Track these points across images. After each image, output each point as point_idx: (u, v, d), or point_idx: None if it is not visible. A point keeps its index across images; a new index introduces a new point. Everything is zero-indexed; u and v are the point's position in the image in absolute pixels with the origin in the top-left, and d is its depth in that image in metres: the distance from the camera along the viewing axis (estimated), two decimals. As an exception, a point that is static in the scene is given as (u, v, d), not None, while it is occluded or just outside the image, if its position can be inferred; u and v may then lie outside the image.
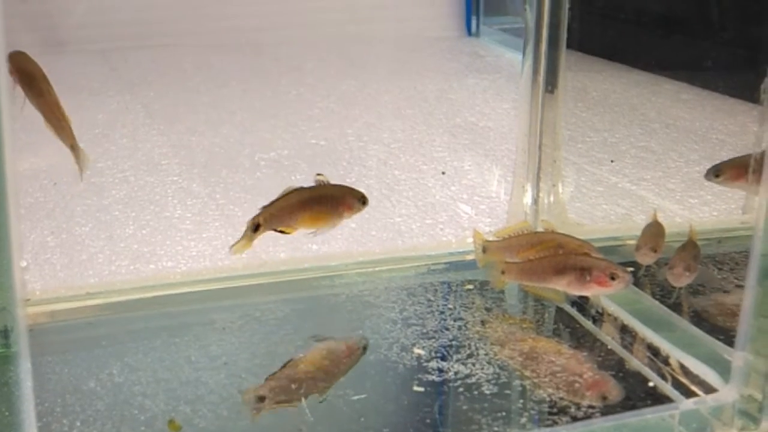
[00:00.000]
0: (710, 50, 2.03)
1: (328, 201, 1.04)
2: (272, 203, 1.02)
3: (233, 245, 1.02)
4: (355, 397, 0.88)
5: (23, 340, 0.93)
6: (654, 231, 1.12)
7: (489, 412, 0.86)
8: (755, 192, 1.08)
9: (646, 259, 1.09)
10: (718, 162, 1.14)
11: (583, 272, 0.98)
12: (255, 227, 1.01)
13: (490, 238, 1.11)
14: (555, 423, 0.84)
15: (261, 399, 0.91)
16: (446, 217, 1.42)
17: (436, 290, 1.12)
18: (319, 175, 1.06)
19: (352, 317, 1.06)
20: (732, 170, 1.12)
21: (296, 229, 1.04)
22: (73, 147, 1.05)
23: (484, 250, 1.10)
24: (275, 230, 1.03)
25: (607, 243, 1.23)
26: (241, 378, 0.92)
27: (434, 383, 0.91)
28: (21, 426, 0.83)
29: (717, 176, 1.13)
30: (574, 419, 0.85)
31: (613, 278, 0.98)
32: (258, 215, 1.01)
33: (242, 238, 1.01)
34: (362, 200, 1.06)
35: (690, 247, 1.08)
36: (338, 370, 0.97)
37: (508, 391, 0.90)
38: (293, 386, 0.92)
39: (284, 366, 0.96)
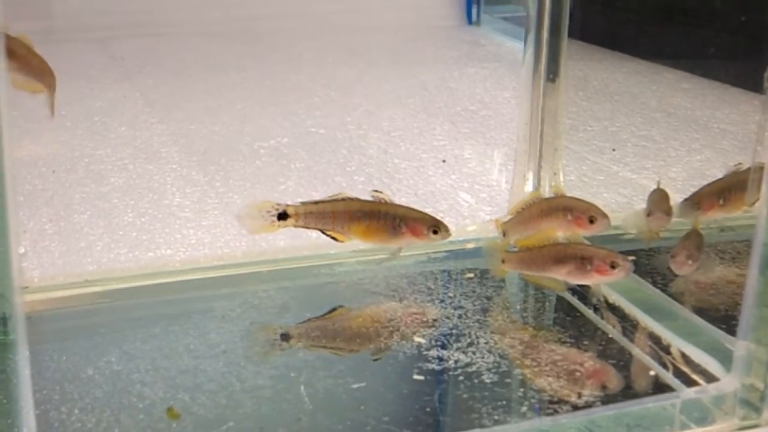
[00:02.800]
0: (711, 39, 2.03)
1: (383, 218, 1.03)
2: (316, 201, 1.03)
3: (253, 224, 1.02)
4: (355, 386, 0.88)
5: (21, 328, 0.92)
6: (662, 195, 1.12)
7: (489, 400, 0.85)
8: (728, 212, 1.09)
9: (660, 223, 1.09)
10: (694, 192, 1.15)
11: (583, 261, 0.98)
12: (282, 215, 1.01)
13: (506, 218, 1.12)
14: (556, 412, 0.84)
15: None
16: (446, 206, 1.41)
17: (436, 279, 1.11)
18: (376, 192, 1.06)
19: (352, 305, 1.06)
20: (708, 200, 1.12)
21: (345, 236, 1.04)
22: (51, 86, 1.02)
23: (504, 234, 1.10)
24: (323, 232, 1.04)
25: (608, 232, 1.22)
26: (239, 366, 0.91)
27: (434, 372, 0.91)
28: (19, 414, 0.83)
29: (699, 209, 1.12)
30: (575, 408, 0.84)
31: (613, 267, 0.97)
32: (290, 204, 1.02)
33: (265, 221, 1.02)
34: (434, 229, 1.04)
35: (693, 236, 1.08)
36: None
37: (508, 380, 0.89)
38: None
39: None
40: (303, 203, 1.03)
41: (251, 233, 1.04)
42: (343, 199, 1.04)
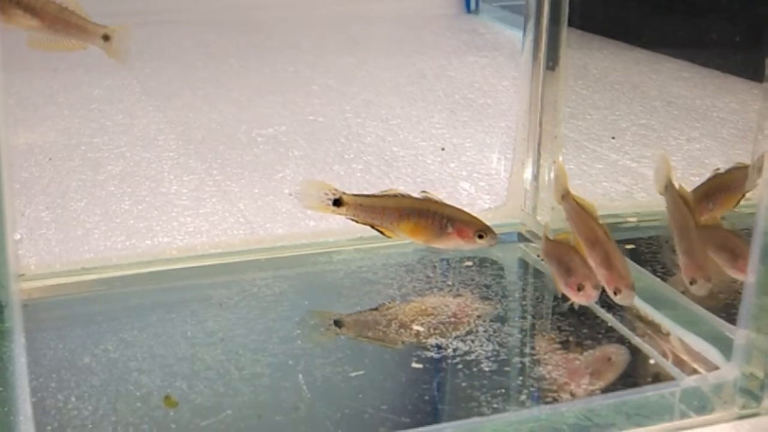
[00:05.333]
0: (712, 28, 2.02)
1: (431, 217, 1.04)
2: (370, 195, 1.05)
3: (309, 201, 1.05)
4: (354, 374, 0.88)
5: (17, 315, 0.92)
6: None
7: (488, 389, 0.85)
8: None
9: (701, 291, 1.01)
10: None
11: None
12: (337, 201, 1.03)
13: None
14: (555, 400, 0.84)
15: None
16: (445, 194, 1.40)
17: (434, 267, 1.11)
18: (424, 192, 1.07)
19: (350, 294, 1.06)
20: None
21: (393, 232, 1.05)
22: (107, 35, 0.98)
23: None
24: (372, 227, 1.06)
25: (608, 220, 1.21)
26: (237, 354, 0.91)
27: (433, 360, 0.90)
28: (15, 401, 0.82)
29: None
30: (574, 397, 0.84)
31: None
32: (346, 194, 1.04)
33: (321, 201, 1.04)
34: (479, 234, 1.03)
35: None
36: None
37: (507, 369, 0.89)
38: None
39: None
40: (357, 195, 1.05)
41: (306, 208, 1.07)
42: (394, 195, 1.05)
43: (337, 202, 1.04)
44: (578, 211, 1.05)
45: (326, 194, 1.04)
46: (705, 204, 1.11)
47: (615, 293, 0.94)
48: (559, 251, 1.02)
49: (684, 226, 1.02)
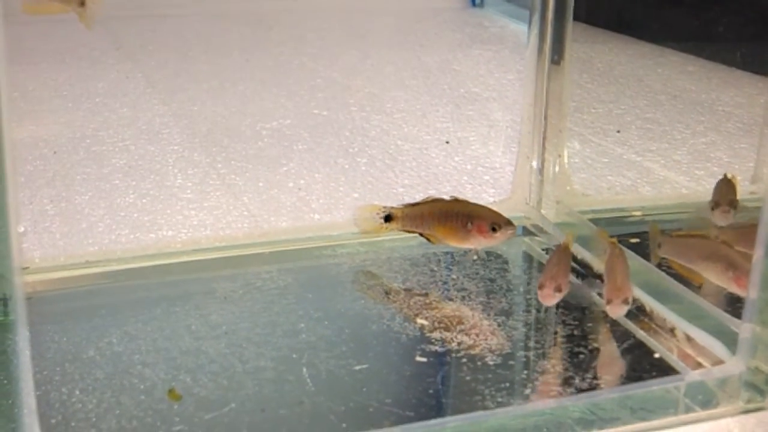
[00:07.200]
0: (717, 22, 2.01)
1: (456, 218, 1.04)
2: (414, 204, 1.07)
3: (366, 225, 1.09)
4: (358, 367, 0.88)
5: (21, 308, 0.92)
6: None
7: (492, 383, 0.85)
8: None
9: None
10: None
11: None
12: (388, 217, 1.06)
13: None
14: (559, 394, 0.83)
15: None
16: (450, 188, 1.40)
17: (439, 260, 1.11)
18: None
19: (354, 287, 1.06)
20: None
21: (434, 236, 1.06)
22: (83, 1, 0.97)
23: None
24: (421, 234, 1.07)
25: (613, 214, 1.21)
26: (241, 347, 0.91)
27: (437, 354, 0.90)
28: (19, 394, 0.82)
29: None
30: (579, 391, 0.84)
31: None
32: (394, 207, 1.07)
33: (375, 223, 1.07)
34: (493, 226, 1.03)
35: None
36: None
37: (511, 362, 0.89)
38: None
39: None
40: (403, 206, 1.07)
41: (363, 232, 1.10)
42: (433, 200, 1.06)
43: (388, 218, 1.07)
44: (619, 256, 1.03)
45: (378, 213, 1.07)
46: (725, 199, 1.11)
47: (607, 302, 0.93)
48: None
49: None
